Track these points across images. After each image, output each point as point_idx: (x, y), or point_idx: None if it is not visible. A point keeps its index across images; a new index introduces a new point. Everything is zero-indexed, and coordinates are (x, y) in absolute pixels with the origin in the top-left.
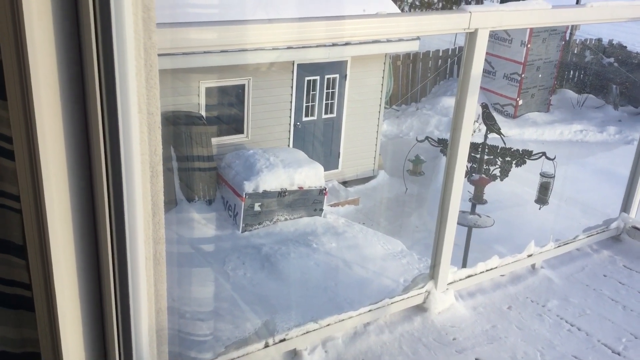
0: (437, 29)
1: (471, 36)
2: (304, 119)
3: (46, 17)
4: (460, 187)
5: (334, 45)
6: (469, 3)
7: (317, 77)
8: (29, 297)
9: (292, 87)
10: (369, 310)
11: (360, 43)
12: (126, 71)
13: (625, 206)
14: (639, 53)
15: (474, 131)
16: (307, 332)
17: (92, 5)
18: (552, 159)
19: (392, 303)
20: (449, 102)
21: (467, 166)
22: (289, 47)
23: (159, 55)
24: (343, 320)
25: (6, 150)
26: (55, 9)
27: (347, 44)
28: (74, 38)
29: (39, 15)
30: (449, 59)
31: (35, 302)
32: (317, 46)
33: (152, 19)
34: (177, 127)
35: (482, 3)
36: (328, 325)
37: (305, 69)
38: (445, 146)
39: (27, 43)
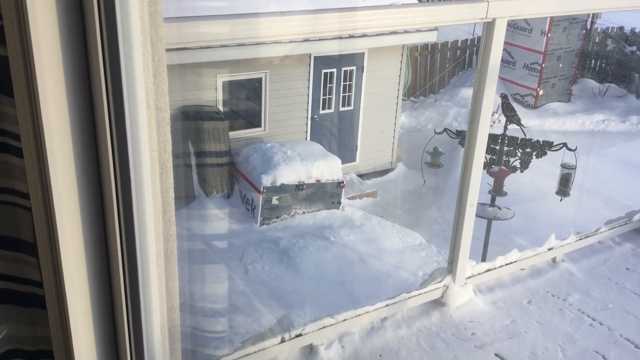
0: (454, 19)
1: (489, 26)
2: (321, 111)
3: (50, 12)
4: (478, 180)
5: (350, 37)
6: None
7: (334, 70)
8: (41, 295)
9: (309, 79)
10: (386, 305)
11: (377, 34)
12: (133, 67)
13: None
14: None
15: (494, 122)
16: (323, 327)
17: (96, 1)
18: (574, 150)
19: (409, 298)
20: (468, 93)
21: (486, 158)
22: (306, 40)
23: (173, 50)
24: (360, 315)
25: (15, 147)
26: (59, 3)
27: (363, 35)
28: (79, 33)
29: (44, 11)
30: (468, 50)
31: (46, 299)
32: (333, 38)
33: (158, 12)
34: (194, 121)
35: None
36: (345, 320)
37: (322, 61)
38: (463, 138)
39: (32, 39)
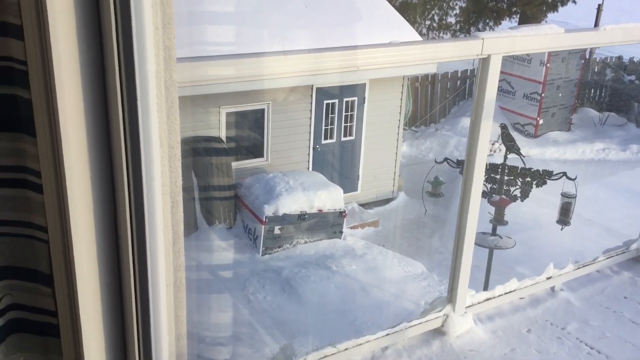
0: (450, 55)
1: (484, 62)
2: (323, 142)
3: (73, 57)
4: (476, 210)
5: None
6: (487, 23)
7: (336, 101)
8: (55, 324)
9: (311, 110)
10: (387, 335)
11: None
12: (148, 108)
13: None
14: None
15: (494, 152)
16: (325, 357)
17: (116, 48)
18: (573, 179)
19: (410, 327)
20: (468, 122)
21: (487, 187)
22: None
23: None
24: (361, 344)
25: (35, 184)
26: (81, 50)
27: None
28: (99, 77)
29: (68, 57)
30: (468, 80)
31: (60, 328)
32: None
33: (172, 58)
34: (198, 153)
35: (500, 23)
36: (346, 349)
37: (324, 92)
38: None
39: (56, 83)
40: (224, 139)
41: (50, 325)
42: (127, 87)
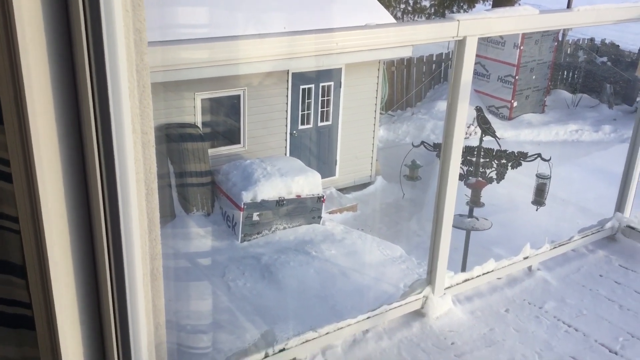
0: (426, 37)
1: (460, 44)
2: (300, 127)
3: (40, 40)
4: (454, 192)
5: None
6: (461, 7)
7: (312, 85)
8: (30, 316)
9: (287, 96)
10: (367, 317)
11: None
12: (119, 93)
13: (620, 205)
14: (632, 52)
15: (469, 135)
16: (306, 341)
17: (84, 30)
18: (548, 160)
19: (390, 309)
20: (444, 106)
21: (463, 170)
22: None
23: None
24: (342, 328)
25: (4, 173)
26: (48, 33)
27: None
28: (67, 62)
29: (33, 39)
30: (443, 63)
31: (35, 320)
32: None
33: (143, 40)
34: (173, 139)
35: (474, 7)
36: (327, 333)
37: (300, 77)
38: (440, 150)
39: (22, 67)
40: (199, 125)
41: (25, 317)
42: (96, 72)
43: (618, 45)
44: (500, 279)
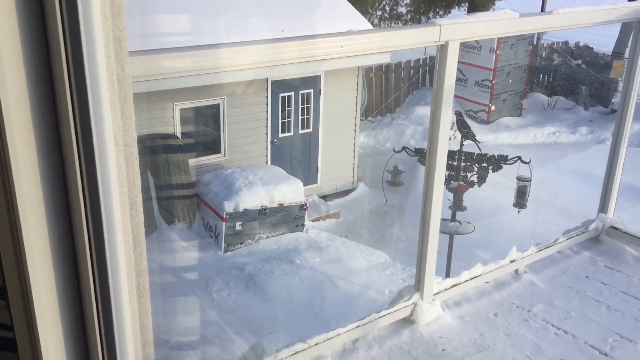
0: (409, 43)
1: (442, 48)
2: (281, 135)
3: (16, 49)
4: (440, 198)
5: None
6: (437, 13)
7: (292, 93)
8: (12, 339)
9: (267, 104)
10: (357, 327)
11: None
12: (100, 104)
13: (603, 206)
14: (605, 54)
15: (450, 139)
16: (296, 353)
17: (62, 39)
18: (528, 163)
19: (379, 317)
20: (423, 111)
21: (445, 174)
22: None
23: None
24: (331, 338)
25: None
26: (24, 43)
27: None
28: (46, 72)
29: (10, 48)
30: (421, 69)
31: (17, 342)
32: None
33: (124, 50)
34: (153, 149)
35: (449, 12)
36: (317, 344)
37: (280, 85)
38: (422, 155)
39: None
40: (179, 135)
41: (7, 339)
42: (76, 82)
43: (592, 48)
44: (488, 282)
